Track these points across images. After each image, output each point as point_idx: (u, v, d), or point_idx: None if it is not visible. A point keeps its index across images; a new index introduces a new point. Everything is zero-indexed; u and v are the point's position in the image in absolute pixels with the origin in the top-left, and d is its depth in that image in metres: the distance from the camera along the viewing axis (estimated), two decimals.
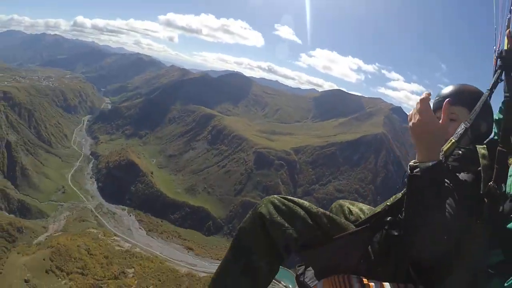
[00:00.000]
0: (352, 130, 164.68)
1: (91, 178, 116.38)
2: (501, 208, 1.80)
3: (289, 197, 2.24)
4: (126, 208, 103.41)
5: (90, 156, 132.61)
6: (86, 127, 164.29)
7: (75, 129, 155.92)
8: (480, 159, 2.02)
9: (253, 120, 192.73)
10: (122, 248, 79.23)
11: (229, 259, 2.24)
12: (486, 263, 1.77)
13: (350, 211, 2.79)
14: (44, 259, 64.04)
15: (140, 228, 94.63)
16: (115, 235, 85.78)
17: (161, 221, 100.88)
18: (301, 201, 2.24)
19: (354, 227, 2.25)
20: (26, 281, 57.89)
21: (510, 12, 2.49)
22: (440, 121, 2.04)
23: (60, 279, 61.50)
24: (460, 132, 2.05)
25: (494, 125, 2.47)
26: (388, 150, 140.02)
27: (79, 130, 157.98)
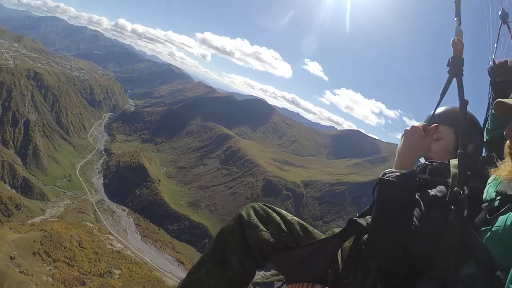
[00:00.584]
0: (365, 172, 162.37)
1: (99, 173, 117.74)
2: (473, 216, 1.72)
3: (270, 205, 2.32)
4: (127, 209, 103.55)
5: (103, 152, 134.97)
6: (106, 124, 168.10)
7: (95, 123, 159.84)
8: (451, 169, 1.97)
9: (268, 147, 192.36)
10: (113, 248, 78.80)
11: (207, 253, 2.27)
12: (456, 276, 1.63)
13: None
14: (34, 241, 64.07)
15: (136, 232, 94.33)
16: (110, 233, 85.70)
17: (158, 229, 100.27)
18: (279, 209, 2.32)
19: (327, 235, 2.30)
20: (11, 258, 57.75)
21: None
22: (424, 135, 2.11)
23: (45, 264, 61.42)
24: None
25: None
26: None
27: (98, 124, 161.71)
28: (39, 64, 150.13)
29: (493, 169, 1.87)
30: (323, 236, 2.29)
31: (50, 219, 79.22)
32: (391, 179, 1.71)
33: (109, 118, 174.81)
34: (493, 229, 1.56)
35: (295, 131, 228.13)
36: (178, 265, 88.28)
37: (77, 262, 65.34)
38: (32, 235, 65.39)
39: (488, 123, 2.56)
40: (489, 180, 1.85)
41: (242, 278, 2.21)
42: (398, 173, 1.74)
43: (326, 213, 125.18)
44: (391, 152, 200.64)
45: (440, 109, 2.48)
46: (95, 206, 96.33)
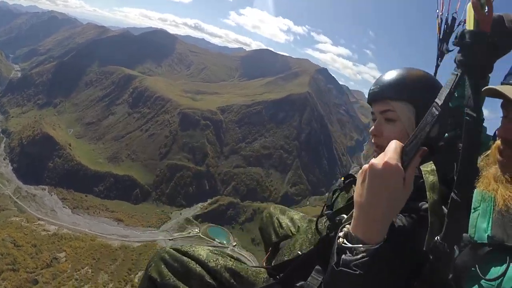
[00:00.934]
0: (278, 89, 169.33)
1: (4, 159, 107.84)
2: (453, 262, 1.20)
3: (184, 248, 2.01)
4: (46, 187, 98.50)
5: (1, 135, 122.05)
6: None
7: None
8: (428, 192, 1.35)
9: (177, 80, 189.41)
10: (48, 232, 76.99)
11: None
12: None
13: (280, 224, 2.65)
14: None
15: (64, 207, 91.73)
16: (39, 219, 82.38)
17: (86, 196, 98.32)
18: (197, 251, 2.00)
19: (264, 277, 1.97)
20: None
21: None
22: (372, 128, 1.81)
23: None
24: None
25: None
26: (312, 108, 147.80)
27: None
28: None
29: (478, 180, 1.24)
30: (260, 276, 1.98)
31: None
32: (352, 271, 1.00)
33: None
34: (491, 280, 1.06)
35: (202, 58, 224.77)
36: (118, 224, 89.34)
37: (21, 263, 63.53)
38: None
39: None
40: (475, 200, 1.23)
41: None
42: (362, 255, 1.01)
43: (247, 134, 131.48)
44: (302, 68, 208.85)
45: (388, 76, 1.80)
46: (13, 197, 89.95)
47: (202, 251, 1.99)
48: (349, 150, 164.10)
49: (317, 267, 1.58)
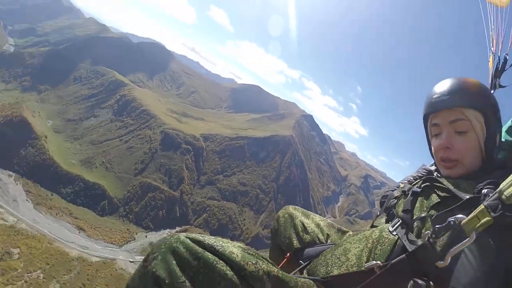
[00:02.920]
0: (263, 128, 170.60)
1: None
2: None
3: (207, 241, 1.24)
4: (13, 174, 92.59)
5: None
6: None
7: None
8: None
9: (165, 97, 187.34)
10: (6, 223, 72.12)
11: None
12: None
13: (304, 227, 2.21)
14: None
15: (27, 200, 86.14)
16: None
17: (51, 195, 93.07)
18: (228, 248, 1.27)
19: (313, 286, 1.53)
20: None
21: None
22: (444, 141, 1.63)
23: None
24: (493, 206, 1.16)
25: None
26: (293, 152, 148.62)
27: None
28: None
29: None
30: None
31: None
32: None
33: None
34: None
35: (194, 81, 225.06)
36: (79, 232, 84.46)
37: None
38: None
39: None
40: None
41: None
42: None
43: (226, 167, 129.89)
44: (289, 111, 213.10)
45: (455, 82, 1.65)
46: None
47: (235, 249, 1.28)
48: (325, 200, 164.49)
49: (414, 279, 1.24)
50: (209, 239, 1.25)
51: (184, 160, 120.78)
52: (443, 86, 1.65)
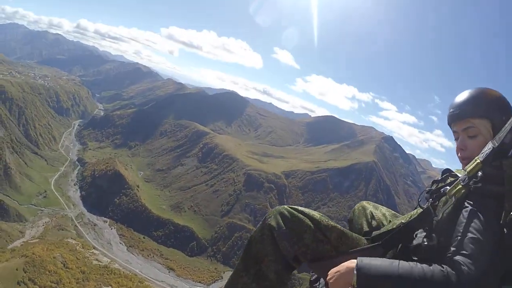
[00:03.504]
0: (343, 157, 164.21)
1: (75, 185, 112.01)
2: None
3: (299, 208, 2.20)
4: (108, 220, 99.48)
5: (77, 162, 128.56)
6: (76, 132, 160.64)
7: (65, 132, 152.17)
8: (507, 180, 1.70)
9: (245, 140, 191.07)
10: (100, 263, 74.68)
11: (240, 268, 2.16)
12: None
13: (373, 216, 2.73)
14: (17, 269, 59.33)
15: (120, 243, 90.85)
16: (94, 248, 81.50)
17: (143, 238, 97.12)
18: (312, 212, 2.19)
19: (365, 242, 2.26)
20: None
21: None
22: (459, 144, 2.19)
23: None
24: (486, 152, 1.81)
25: None
26: (378, 178, 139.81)
27: (68, 133, 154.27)
28: (0, 76, 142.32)
29: None
30: (362, 241, 2.27)
31: (31, 241, 73.75)
32: None
33: (79, 125, 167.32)
34: None
35: (270, 122, 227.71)
36: (169, 272, 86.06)
37: (65, 285, 60.81)
38: (14, 263, 60.68)
39: None
40: None
41: (280, 285, 2.12)
42: None
43: (310, 201, 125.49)
44: (367, 136, 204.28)
45: (464, 96, 2.17)
46: (75, 220, 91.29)
47: (316, 213, 2.19)
48: None
49: (421, 229, 1.87)
50: (301, 208, 2.18)
51: (267, 198, 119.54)
52: (457, 100, 2.19)
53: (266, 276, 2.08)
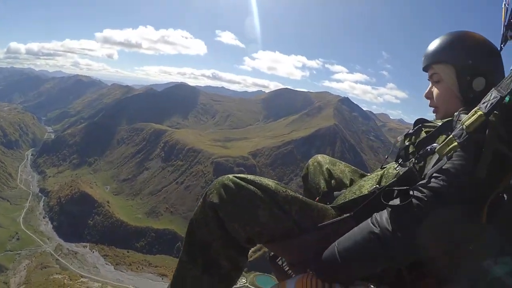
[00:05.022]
0: (305, 126, 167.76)
1: (44, 218, 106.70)
2: None
3: (248, 177, 1.76)
4: (88, 244, 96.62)
5: (40, 194, 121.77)
6: (31, 162, 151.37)
7: (20, 166, 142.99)
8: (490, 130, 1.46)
9: (205, 130, 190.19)
10: None
11: (185, 260, 1.78)
12: (489, 272, 1.41)
13: (331, 173, 2.46)
14: None
15: (106, 264, 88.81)
16: (82, 276, 79.65)
17: (127, 252, 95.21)
18: (265, 180, 1.77)
19: (333, 212, 1.88)
20: None
21: None
22: (424, 92, 2.10)
23: None
24: (491, 102, 1.46)
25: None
26: (342, 140, 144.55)
27: (23, 166, 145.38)
28: None
29: None
30: (330, 211, 1.88)
31: None
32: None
33: (32, 155, 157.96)
34: None
35: (226, 106, 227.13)
36: (162, 279, 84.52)
37: None
38: None
39: None
40: None
41: (236, 271, 1.82)
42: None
43: (282, 175, 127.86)
44: (324, 101, 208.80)
45: (431, 43, 2.05)
46: (55, 254, 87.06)
47: (270, 182, 1.78)
48: None
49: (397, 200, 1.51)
50: (251, 176, 1.76)
51: None
52: (427, 48, 2.07)
53: (217, 264, 1.74)
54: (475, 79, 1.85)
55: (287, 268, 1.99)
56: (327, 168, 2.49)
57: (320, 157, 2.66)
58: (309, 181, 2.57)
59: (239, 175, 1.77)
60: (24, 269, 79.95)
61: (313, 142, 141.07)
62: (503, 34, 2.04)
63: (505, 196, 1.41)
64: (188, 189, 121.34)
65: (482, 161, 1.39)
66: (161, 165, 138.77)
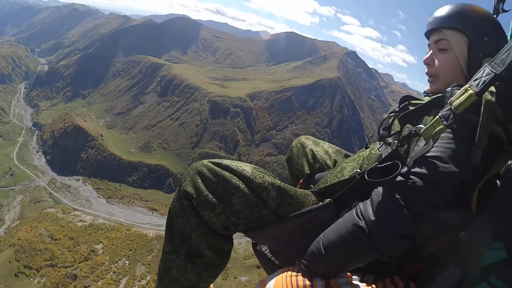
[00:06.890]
0: (307, 74, 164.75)
1: (37, 152, 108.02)
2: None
3: (224, 162, 1.64)
4: (81, 178, 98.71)
5: (33, 128, 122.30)
6: (24, 96, 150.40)
7: (13, 100, 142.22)
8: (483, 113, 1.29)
9: (204, 66, 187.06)
10: (85, 223, 76.12)
11: (168, 251, 1.70)
12: (481, 258, 1.31)
13: (314, 156, 2.41)
14: (10, 262, 59.53)
15: (99, 197, 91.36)
16: (75, 209, 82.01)
17: (120, 186, 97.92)
18: (240, 166, 1.63)
19: (313, 198, 1.76)
20: None
21: None
22: (425, 57, 1.86)
23: (32, 279, 57.92)
24: (483, 80, 1.33)
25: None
26: (342, 94, 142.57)
27: (16, 100, 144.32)
28: None
29: None
30: (310, 197, 1.74)
31: (13, 225, 72.59)
32: None
33: (25, 88, 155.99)
34: None
35: (227, 44, 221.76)
36: (152, 213, 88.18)
37: (59, 258, 62.28)
38: (5, 257, 60.25)
39: None
40: None
41: (222, 257, 1.72)
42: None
43: (277, 121, 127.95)
44: (330, 51, 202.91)
45: (445, 9, 1.81)
46: (48, 188, 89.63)
47: (246, 167, 1.64)
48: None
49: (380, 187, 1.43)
50: (226, 161, 1.64)
51: (235, 123, 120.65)
52: (437, 11, 1.84)
53: (199, 253, 1.64)
54: (485, 59, 1.64)
55: (270, 255, 1.85)
56: (310, 149, 2.44)
57: (303, 138, 2.60)
58: (293, 163, 2.53)
59: (214, 160, 1.66)
60: (19, 204, 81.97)
61: (312, 92, 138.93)
62: (494, 7, 1.98)
63: (498, 181, 1.26)
64: (183, 126, 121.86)
65: (477, 145, 1.26)
66: (157, 100, 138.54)
